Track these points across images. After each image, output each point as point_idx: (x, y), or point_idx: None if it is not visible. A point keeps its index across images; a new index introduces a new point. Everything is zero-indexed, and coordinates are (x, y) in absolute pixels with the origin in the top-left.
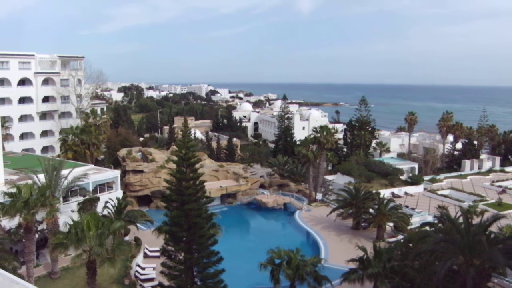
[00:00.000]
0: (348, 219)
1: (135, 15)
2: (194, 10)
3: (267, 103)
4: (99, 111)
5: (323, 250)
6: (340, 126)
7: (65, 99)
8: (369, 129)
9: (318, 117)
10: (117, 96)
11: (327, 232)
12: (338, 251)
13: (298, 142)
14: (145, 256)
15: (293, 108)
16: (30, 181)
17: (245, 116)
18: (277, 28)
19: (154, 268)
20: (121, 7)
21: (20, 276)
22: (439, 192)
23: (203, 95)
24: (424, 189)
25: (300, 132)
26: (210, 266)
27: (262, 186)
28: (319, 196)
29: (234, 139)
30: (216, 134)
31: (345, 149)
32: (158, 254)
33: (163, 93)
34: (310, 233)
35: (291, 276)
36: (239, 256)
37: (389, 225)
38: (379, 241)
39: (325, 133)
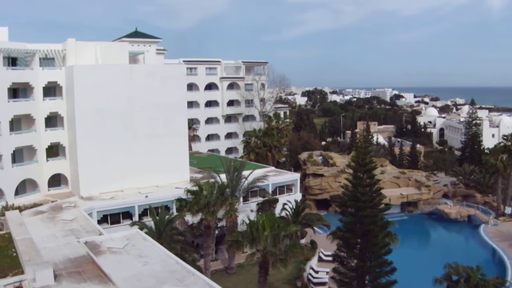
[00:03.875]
0: None
1: (319, 20)
2: (377, 14)
3: (454, 108)
4: (282, 115)
5: (510, 271)
6: None
7: (249, 103)
8: None
9: (509, 124)
10: (301, 100)
11: None
12: None
13: (486, 151)
14: (320, 259)
15: (481, 113)
16: (212, 180)
17: (430, 122)
18: (464, 28)
19: (327, 273)
20: (305, 13)
21: (198, 268)
22: None
23: (387, 99)
24: None
25: (489, 140)
26: (382, 276)
27: (445, 195)
28: (508, 210)
29: (418, 145)
30: (399, 139)
31: None
32: (332, 258)
33: (347, 98)
34: (495, 250)
35: None
36: (414, 268)
37: None
38: None
39: None
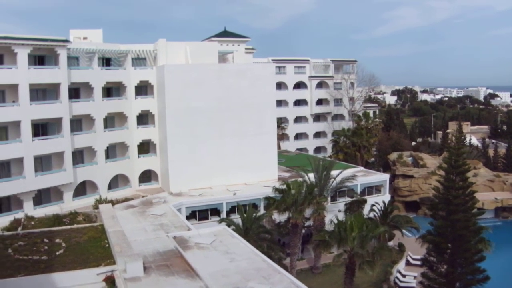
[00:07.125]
0: None
1: (409, 17)
2: (470, 9)
3: None
4: (371, 114)
5: None
6: None
7: (337, 101)
8: None
9: None
10: (391, 99)
11: None
12: None
13: None
14: (408, 263)
15: None
16: (300, 179)
17: None
18: None
19: (415, 277)
20: (395, 10)
21: (284, 266)
22: None
23: (481, 98)
24: None
25: None
26: (474, 284)
27: None
28: None
29: None
30: (493, 141)
31: None
32: (420, 262)
33: (438, 97)
34: None
35: None
36: (509, 277)
37: None
38: None
39: None
